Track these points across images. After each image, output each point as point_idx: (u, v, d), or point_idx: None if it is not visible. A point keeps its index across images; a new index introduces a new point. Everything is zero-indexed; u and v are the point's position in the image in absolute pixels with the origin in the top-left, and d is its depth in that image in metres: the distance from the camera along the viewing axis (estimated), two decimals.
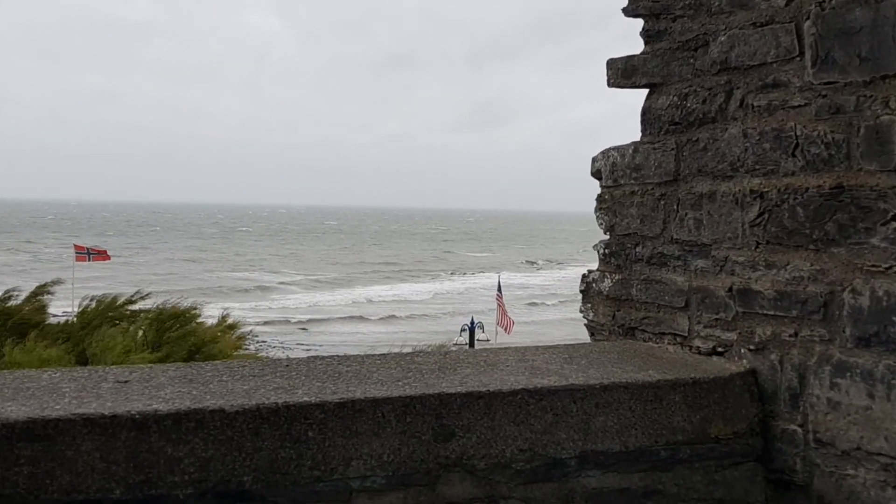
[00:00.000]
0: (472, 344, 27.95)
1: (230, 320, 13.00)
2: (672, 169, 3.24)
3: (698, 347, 3.10)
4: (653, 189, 3.30)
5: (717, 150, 3.07)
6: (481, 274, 75.38)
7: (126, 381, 2.34)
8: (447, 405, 2.37)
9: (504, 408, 2.44)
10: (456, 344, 28.29)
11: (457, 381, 2.51)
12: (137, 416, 2.04)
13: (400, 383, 2.48)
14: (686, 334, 3.15)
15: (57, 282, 13.72)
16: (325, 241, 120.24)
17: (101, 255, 25.27)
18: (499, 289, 31.63)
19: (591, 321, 3.58)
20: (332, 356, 2.80)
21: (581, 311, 3.65)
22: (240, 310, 47.48)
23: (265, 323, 44.13)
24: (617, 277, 3.46)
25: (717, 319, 3.03)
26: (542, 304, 55.29)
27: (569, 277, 78.33)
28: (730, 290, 2.98)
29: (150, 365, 2.54)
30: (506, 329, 30.81)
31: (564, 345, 3.23)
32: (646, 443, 2.58)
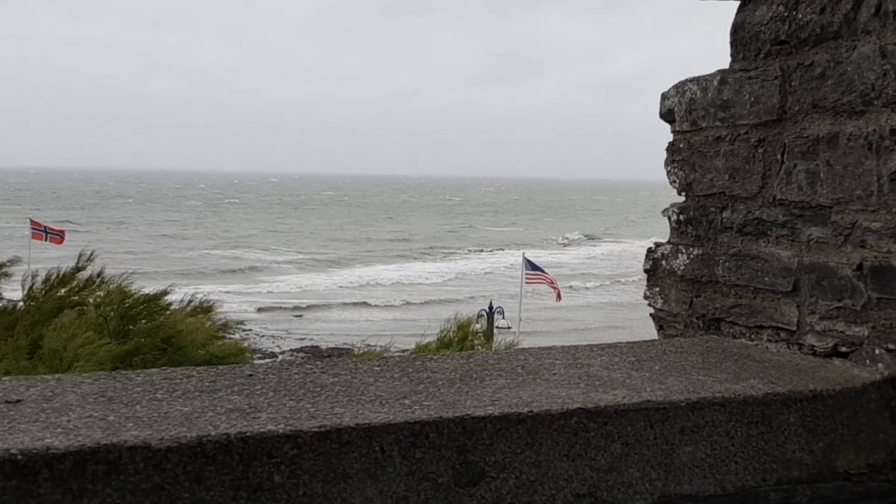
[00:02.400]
0: (490, 331, 27.80)
1: (204, 303, 12.62)
2: (775, 104, 2.83)
3: (812, 346, 2.68)
4: (747, 133, 2.91)
5: (840, 77, 2.62)
6: (506, 251, 75.14)
7: (17, 401, 1.91)
8: (473, 433, 1.95)
9: (553, 436, 2.02)
10: (471, 332, 28.20)
11: (486, 398, 2.09)
12: (21, 458, 1.61)
13: (406, 401, 2.05)
14: (794, 328, 2.75)
15: (14, 260, 13.41)
16: (323, 215, 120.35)
17: (58, 236, 25.05)
18: (532, 267, 31.50)
19: (661, 310, 3.19)
20: (313, 362, 2.37)
21: (646, 298, 3.27)
22: (226, 293, 47.81)
23: (255, 309, 44.07)
24: (696, 252, 3.08)
25: (839, 308, 2.61)
26: (575, 286, 54.95)
27: (604, 254, 78.30)
28: (859, 267, 2.55)
29: (58, 376, 2.10)
30: (557, 296, 31.77)
31: (628, 343, 2.84)
32: (750, 482, 2.19)
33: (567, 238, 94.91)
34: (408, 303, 47.48)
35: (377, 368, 2.35)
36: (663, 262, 3.22)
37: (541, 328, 40.26)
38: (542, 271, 31.81)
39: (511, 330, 28.88)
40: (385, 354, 14.22)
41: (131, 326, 12.22)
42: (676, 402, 2.16)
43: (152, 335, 11.78)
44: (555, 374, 2.36)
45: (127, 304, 12.14)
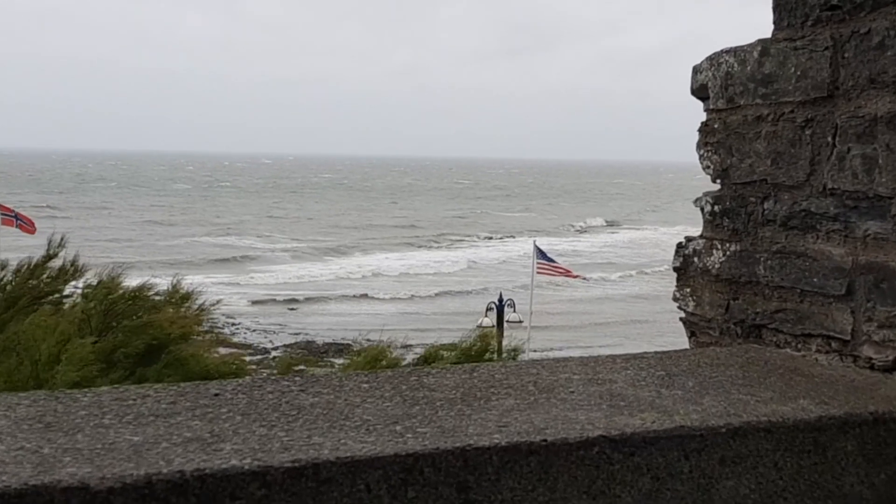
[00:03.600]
0: (500, 326, 27.73)
1: (183, 290, 12.47)
2: (825, 79, 2.66)
3: (869, 359, 2.51)
4: (793, 112, 2.74)
5: None
6: (520, 239, 75.11)
7: None
8: (476, 467, 1.79)
9: (571, 470, 1.86)
10: (480, 326, 28.21)
11: (492, 423, 1.94)
12: None
13: (398, 427, 1.89)
14: (848, 337, 2.59)
15: None
16: (322, 199, 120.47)
17: (27, 225, 24.91)
18: (543, 256, 31.33)
19: (692, 314, 3.04)
20: (291, 378, 2.21)
21: (675, 300, 3.12)
22: (216, 283, 47.80)
23: (248, 301, 44.03)
24: (733, 248, 2.93)
25: None
26: (593, 277, 54.86)
27: (625, 242, 78.20)
28: None
29: None
30: (567, 272, 31.79)
31: (656, 354, 2.69)
32: None
33: (585, 224, 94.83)
34: (413, 295, 47.46)
35: (365, 386, 2.19)
36: (695, 260, 3.06)
37: (554, 322, 40.20)
38: (554, 261, 31.64)
39: (522, 324, 28.79)
40: (386, 351, 14.05)
41: (115, 324, 12.07)
42: (715, 428, 1.99)
43: (138, 334, 11.62)
44: (572, 392, 2.21)
45: (111, 299, 12.01)
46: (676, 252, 3.14)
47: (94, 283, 12.85)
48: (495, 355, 13.25)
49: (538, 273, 31.26)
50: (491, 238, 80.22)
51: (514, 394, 2.17)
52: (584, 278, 33.23)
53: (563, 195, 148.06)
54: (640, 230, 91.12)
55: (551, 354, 35.09)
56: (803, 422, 2.07)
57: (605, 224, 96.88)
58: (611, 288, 52.61)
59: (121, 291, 12.44)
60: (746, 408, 2.11)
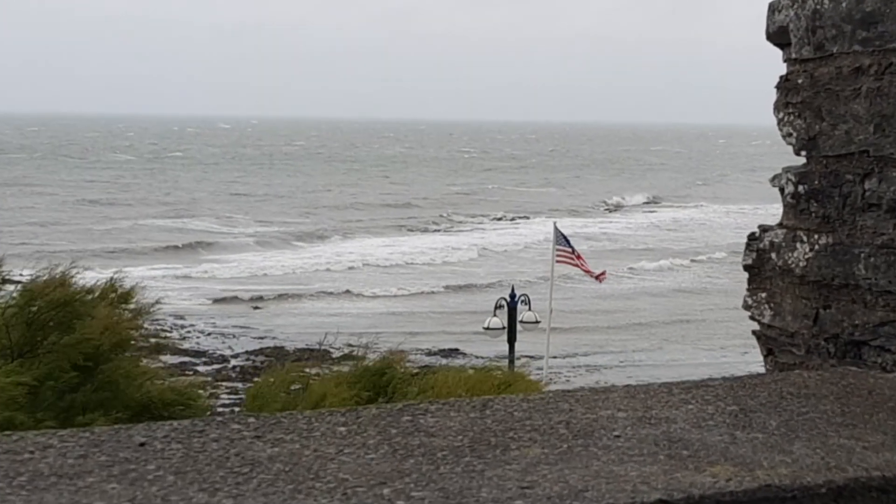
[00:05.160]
0: (511, 330, 27.67)
1: (122, 286, 12.32)
2: None
3: None
4: None
5: None
6: (539, 220, 75.20)
7: None
8: None
9: None
10: (487, 328, 28.21)
11: (512, 483, 1.81)
12: None
13: (386, 490, 1.74)
14: None
15: None
16: (295, 172, 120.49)
17: None
18: (565, 241, 31.21)
19: (770, 326, 2.93)
20: (244, 420, 2.05)
21: (746, 308, 3.03)
22: (164, 277, 47.82)
23: (202, 297, 43.98)
24: (824, 241, 2.82)
25: None
26: (628, 266, 54.82)
27: (668, 224, 78.23)
28: None
29: None
30: (598, 277, 31.58)
31: (724, 380, 2.59)
32: None
33: (618, 201, 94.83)
34: (407, 290, 47.37)
35: (342, 429, 2.03)
36: (773, 256, 2.94)
37: (579, 322, 40.19)
38: (570, 246, 31.44)
39: (539, 325, 28.74)
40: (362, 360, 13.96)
41: (41, 339, 11.89)
42: (812, 487, 1.89)
43: (69, 353, 11.45)
44: (617, 436, 2.07)
45: (35, 309, 11.88)
46: (748, 246, 3.03)
47: (16, 285, 12.73)
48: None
49: (558, 262, 31.15)
50: (502, 219, 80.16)
51: (541, 439, 2.03)
52: (599, 278, 32.95)
53: (590, 166, 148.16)
54: (685, 208, 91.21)
55: (574, 361, 35.23)
56: None
57: (644, 202, 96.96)
58: (649, 279, 52.57)
59: (50, 295, 12.27)
60: (851, 457, 2.01)
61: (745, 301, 3.07)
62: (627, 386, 2.48)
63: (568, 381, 31.65)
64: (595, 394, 2.38)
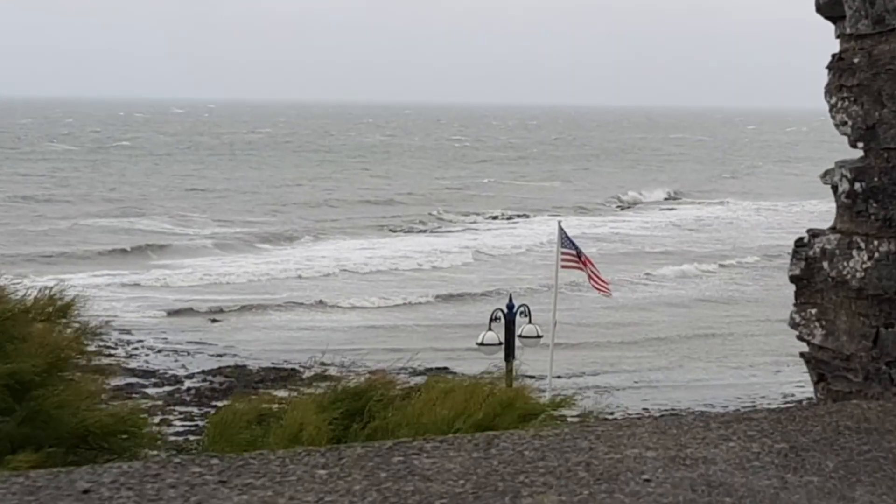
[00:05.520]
0: (509, 346, 27.71)
1: (60, 298, 12.23)
2: None
3: None
4: None
5: None
6: (542, 219, 75.38)
7: None
8: None
9: None
10: (482, 344, 28.32)
11: None
12: None
13: None
14: None
15: None
16: (260, 164, 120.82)
17: None
18: (570, 243, 31.24)
19: (821, 347, 2.89)
20: (206, 461, 2.00)
21: (794, 325, 3.00)
22: (109, 285, 47.74)
23: (154, 308, 43.98)
24: (885, 249, 2.76)
25: None
26: (644, 272, 54.99)
27: (688, 222, 78.54)
28: None
29: None
30: (601, 289, 31.19)
31: (769, 412, 2.55)
32: None
33: (634, 198, 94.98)
34: (389, 301, 47.45)
35: (323, 472, 1.98)
36: (824, 266, 2.90)
37: (587, 337, 40.31)
38: (577, 249, 31.38)
39: (542, 340, 28.80)
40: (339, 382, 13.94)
41: None
42: None
43: None
44: (647, 479, 2.03)
45: None
46: (795, 254, 3.00)
47: None
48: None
49: (563, 267, 31.21)
50: (498, 218, 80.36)
51: (558, 484, 1.98)
52: (603, 289, 32.53)
53: (600, 156, 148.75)
54: (709, 205, 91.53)
55: (582, 382, 35.18)
56: None
57: (665, 198, 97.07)
58: (667, 287, 52.76)
59: None
60: None
61: (791, 318, 3.04)
62: (656, 419, 2.44)
63: (574, 404, 31.66)
64: (618, 429, 2.33)
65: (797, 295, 3.11)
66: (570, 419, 13.04)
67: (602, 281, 32.10)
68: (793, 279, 3.12)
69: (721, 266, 57.75)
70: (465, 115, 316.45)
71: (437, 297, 48.23)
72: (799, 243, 3.13)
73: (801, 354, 3.05)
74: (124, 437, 10.77)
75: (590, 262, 31.57)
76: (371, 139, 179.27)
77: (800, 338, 3.09)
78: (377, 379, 13.70)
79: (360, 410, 12.46)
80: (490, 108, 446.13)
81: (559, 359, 29.92)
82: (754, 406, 31.98)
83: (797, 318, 3.08)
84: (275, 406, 13.30)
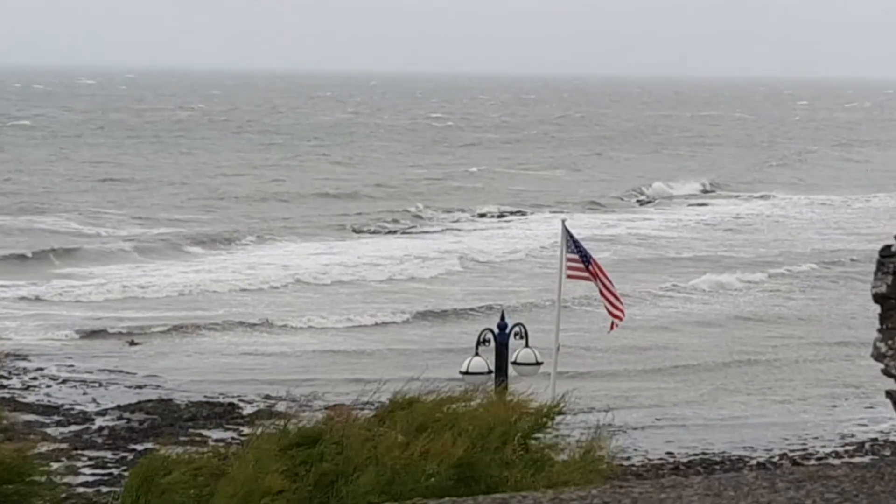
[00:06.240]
0: (500, 374, 27.52)
1: None
2: None
3: None
4: None
5: None
6: (541, 216, 75.22)
7: None
8: None
9: None
10: (466, 373, 28.19)
11: None
12: None
13: None
14: None
15: None
16: (192, 148, 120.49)
17: None
18: (576, 247, 31.11)
19: None
20: None
21: (879, 356, 2.93)
22: (2, 301, 47.41)
23: (55, 329, 43.71)
24: None
25: None
26: (668, 282, 54.86)
27: (724, 221, 78.49)
28: None
29: None
30: (614, 312, 30.64)
31: (850, 468, 2.48)
32: None
33: (659, 190, 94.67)
34: (352, 319, 47.26)
35: None
36: None
37: (598, 364, 40.12)
38: (585, 255, 31.11)
39: (541, 368, 28.68)
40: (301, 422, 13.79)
41: None
42: None
43: None
44: None
45: None
46: (881, 266, 2.92)
47: None
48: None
49: (568, 277, 31.07)
50: (487, 216, 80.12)
51: None
52: (619, 316, 31.74)
53: (615, 139, 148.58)
54: (749, 199, 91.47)
55: (591, 419, 34.73)
56: None
57: (701, 190, 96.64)
58: (697, 301, 52.57)
59: None
60: None
61: (875, 347, 2.97)
62: (707, 477, 2.34)
63: (580, 446, 31.38)
64: (660, 490, 2.25)
65: (883, 318, 3.04)
66: (575, 458, 12.90)
67: (616, 300, 31.70)
68: (877, 298, 3.04)
69: (766, 276, 57.51)
70: (447, 88, 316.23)
71: (413, 314, 48.02)
72: (885, 253, 3.05)
73: (889, 394, 2.99)
74: (11, 487, 10.64)
75: (602, 271, 31.37)
76: (330, 117, 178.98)
77: (886, 372, 3.04)
78: (337, 416, 13.58)
79: (317, 457, 12.28)
80: (478, 78, 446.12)
81: (563, 390, 29.75)
82: (805, 450, 31.88)
83: (883, 348, 3.02)
84: (208, 451, 13.10)
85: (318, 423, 13.44)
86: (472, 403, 13.91)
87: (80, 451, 29.99)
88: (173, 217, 73.79)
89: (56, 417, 33.20)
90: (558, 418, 14.04)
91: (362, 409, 16.63)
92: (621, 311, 31.61)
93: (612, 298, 31.19)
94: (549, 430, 13.14)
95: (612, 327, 31.20)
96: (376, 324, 46.62)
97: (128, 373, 38.56)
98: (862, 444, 31.96)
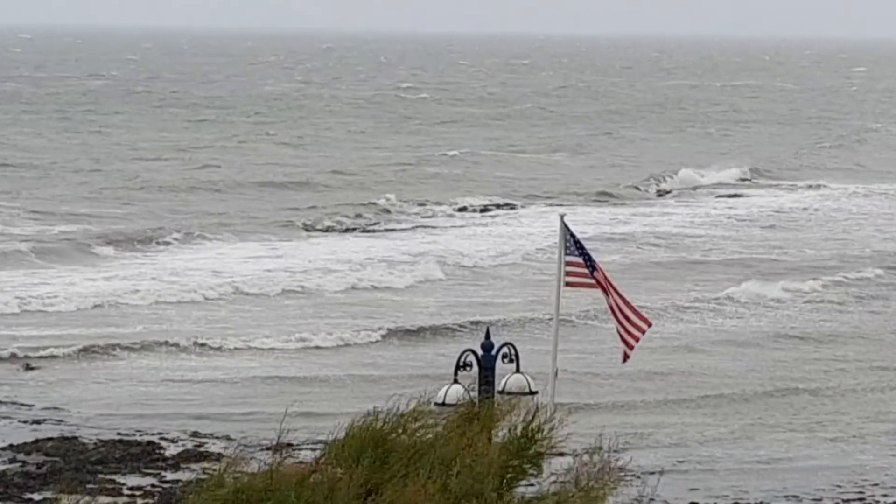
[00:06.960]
0: (484, 403, 27.43)
1: None
2: None
3: None
4: None
5: None
6: (534, 210, 75.15)
7: None
8: None
9: None
10: (443, 405, 28.03)
11: None
12: None
13: None
14: None
15: None
16: (103, 125, 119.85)
17: None
18: (576, 247, 31.07)
19: None
20: None
21: None
22: None
23: None
24: None
25: None
26: (692, 293, 54.79)
27: (763, 215, 78.24)
28: None
29: None
30: (624, 354, 30.36)
31: None
32: None
33: (687, 178, 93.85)
34: (302, 338, 47.00)
35: None
36: None
37: (606, 394, 39.95)
38: (588, 258, 30.97)
39: (535, 398, 28.55)
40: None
41: None
42: None
43: None
44: None
45: None
46: None
47: None
48: None
49: (567, 284, 31.01)
50: (468, 209, 79.79)
51: None
52: (633, 342, 31.26)
53: (629, 113, 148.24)
54: (794, 189, 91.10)
55: (598, 461, 34.67)
56: None
57: (741, 178, 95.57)
58: (730, 316, 52.41)
59: None
60: None
61: None
62: None
63: (583, 491, 31.29)
64: None
65: None
66: None
67: (634, 318, 31.29)
68: None
69: (815, 284, 57.22)
70: (420, 51, 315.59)
71: (378, 332, 47.86)
72: None
73: None
74: None
75: (608, 280, 31.22)
76: (275, 87, 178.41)
77: None
78: (284, 462, 13.53)
79: None
80: (458, 39, 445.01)
81: (564, 424, 29.72)
82: (862, 499, 31.63)
83: None
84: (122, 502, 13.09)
85: (262, 472, 13.24)
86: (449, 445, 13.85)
87: None
88: (80, 211, 73.39)
89: None
90: (556, 461, 14.01)
91: (314, 449, 16.57)
92: (641, 330, 31.30)
93: (627, 318, 30.93)
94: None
95: (624, 358, 30.85)
96: (335, 345, 46.39)
97: (22, 404, 38.33)
98: None
